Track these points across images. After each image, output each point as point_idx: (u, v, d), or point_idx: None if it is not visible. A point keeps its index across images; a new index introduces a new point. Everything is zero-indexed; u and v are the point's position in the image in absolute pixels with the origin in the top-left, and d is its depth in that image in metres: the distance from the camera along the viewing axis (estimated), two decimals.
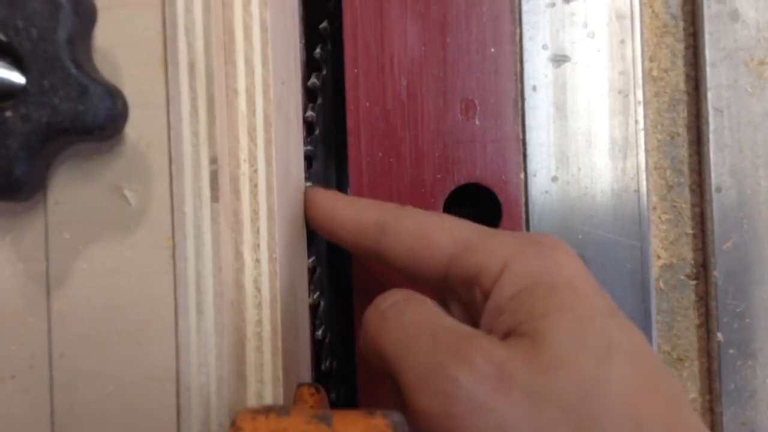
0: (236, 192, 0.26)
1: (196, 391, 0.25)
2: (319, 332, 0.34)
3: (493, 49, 0.35)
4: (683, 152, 0.37)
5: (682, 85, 0.37)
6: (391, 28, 0.34)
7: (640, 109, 0.35)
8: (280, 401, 0.26)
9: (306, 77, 0.34)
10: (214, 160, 0.25)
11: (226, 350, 0.25)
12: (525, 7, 0.35)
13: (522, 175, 0.35)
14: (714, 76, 0.36)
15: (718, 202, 0.35)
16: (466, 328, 0.24)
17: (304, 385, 0.28)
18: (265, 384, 0.26)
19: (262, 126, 0.26)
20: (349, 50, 0.34)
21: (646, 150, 0.35)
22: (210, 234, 0.25)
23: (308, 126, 0.33)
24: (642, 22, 0.35)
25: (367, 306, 0.27)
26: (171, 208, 0.25)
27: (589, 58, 0.35)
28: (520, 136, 0.35)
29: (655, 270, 0.36)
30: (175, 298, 0.25)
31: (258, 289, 0.26)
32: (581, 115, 0.35)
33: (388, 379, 0.26)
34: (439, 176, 0.34)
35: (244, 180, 0.26)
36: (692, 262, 0.37)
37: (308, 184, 0.33)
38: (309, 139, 0.33)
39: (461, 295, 0.26)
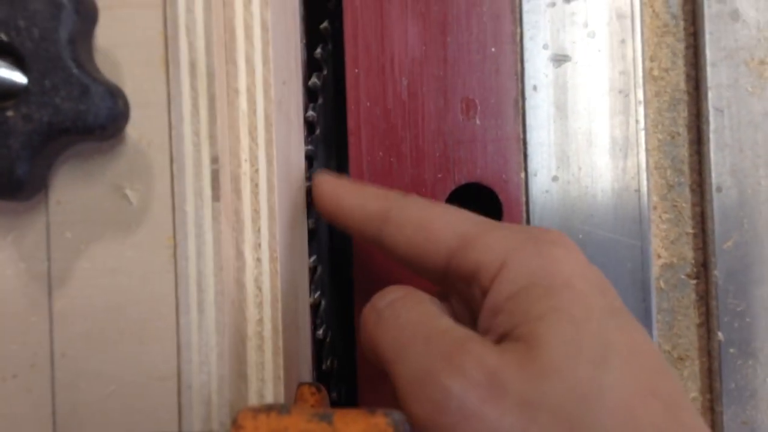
0: (237, 191, 0.26)
1: (198, 390, 0.25)
2: (320, 331, 0.34)
3: (493, 49, 0.35)
4: (684, 152, 0.37)
5: (682, 85, 0.37)
6: (392, 28, 0.34)
7: (641, 109, 0.35)
8: (281, 400, 0.26)
9: (307, 77, 0.34)
10: (215, 160, 0.25)
11: (227, 349, 0.25)
12: (525, 6, 0.35)
13: (522, 175, 0.35)
14: (714, 76, 0.36)
15: (718, 202, 0.35)
16: (460, 332, 0.24)
17: (305, 385, 0.28)
18: (266, 383, 0.26)
19: (263, 125, 0.26)
20: (349, 50, 0.34)
21: (647, 149, 0.35)
22: (211, 233, 0.25)
23: (309, 126, 0.33)
24: (642, 21, 0.35)
25: None
26: (172, 208, 0.25)
27: (590, 58, 0.35)
28: (521, 136, 0.35)
29: (655, 269, 0.36)
30: (177, 297, 0.25)
31: (259, 288, 0.26)
32: (582, 115, 0.35)
33: (388, 378, 0.26)
34: (439, 176, 0.34)
35: (245, 179, 0.26)
36: (693, 261, 0.37)
37: (308, 184, 0.33)
38: (310, 139, 0.33)
39: (461, 289, 0.26)
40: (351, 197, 0.28)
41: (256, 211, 0.26)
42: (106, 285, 0.26)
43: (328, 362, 0.35)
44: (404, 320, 0.25)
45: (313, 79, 0.34)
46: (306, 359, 0.31)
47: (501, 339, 0.24)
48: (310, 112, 0.33)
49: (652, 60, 0.37)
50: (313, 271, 0.33)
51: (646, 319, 0.35)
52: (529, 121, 0.35)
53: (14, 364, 0.26)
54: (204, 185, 0.25)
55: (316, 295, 0.33)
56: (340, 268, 0.37)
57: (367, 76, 0.34)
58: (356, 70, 0.34)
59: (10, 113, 0.23)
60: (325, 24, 0.36)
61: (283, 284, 0.27)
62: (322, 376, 0.34)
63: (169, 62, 0.25)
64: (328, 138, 0.36)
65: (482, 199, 0.35)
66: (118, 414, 0.25)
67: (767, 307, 0.35)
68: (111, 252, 0.26)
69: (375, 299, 0.26)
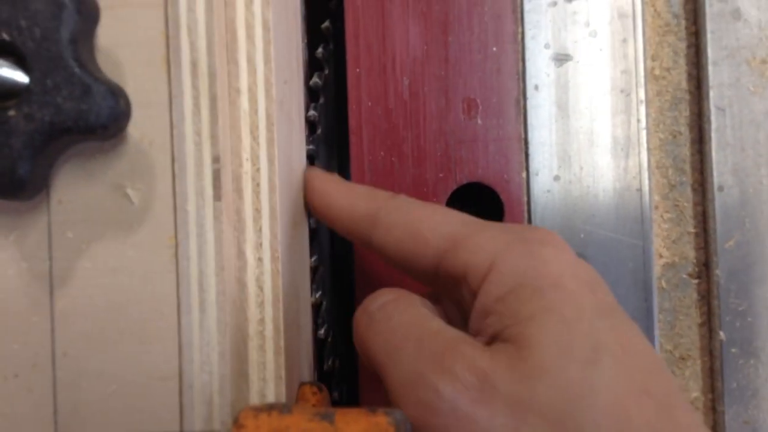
0: (239, 191, 0.26)
1: (199, 390, 0.25)
2: (322, 331, 0.34)
3: (495, 48, 0.35)
4: (685, 151, 0.37)
5: (684, 84, 0.37)
6: (393, 28, 0.34)
7: (642, 108, 0.35)
8: (283, 400, 0.26)
9: (308, 77, 0.34)
10: (216, 159, 0.25)
11: (228, 349, 0.25)
12: (527, 6, 0.35)
13: (524, 174, 0.35)
14: (716, 75, 0.36)
15: (720, 201, 0.35)
16: (451, 333, 0.24)
17: (307, 384, 0.28)
18: (267, 382, 0.26)
19: (265, 125, 0.26)
20: (351, 50, 0.34)
21: (648, 149, 0.35)
22: (212, 233, 0.25)
23: (310, 125, 0.33)
24: (644, 20, 0.35)
25: None
26: (174, 207, 0.25)
27: (591, 57, 0.35)
28: (522, 135, 0.35)
29: (657, 269, 0.36)
30: (178, 297, 0.25)
31: (260, 288, 0.26)
32: (583, 114, 0.35)
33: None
34: (441, 175, 0.34)
35: (247, 179, 0.26)
36: (694, 260, 0.37)
37: None
38: (311, 139, 0.33)
39: (452, 291, 0.26)
40: (340, 199, 0.28)
41: (257, 211, 0.26)
42: (108, 284, 0.26)
43: (330, 362, 0.35)
44: (395, 323, 0.25)
45: (315, 79, 0.34)
46: (307, 359, 0.31)
47: (492, 340, 0.23)
48: (312, 112, 0.33)
49: (653, 59, 0.37)
50: (314, 270, 0.33)
51: (647, 319, 0.35)
52: (531, 120, 0.35)
53: (15, 363, 0.26)
54: (205, 185, 0.25)
55: (318, 294, 0.33)
56: (342, 267, 0.37)
57: (369, 76, 0.34)
58: (357, 70, 0.34)
59: (11, 113, 0.23)
60: (326, 24, 0.36)
61: (285, 284, 0.27)
62: (323, 376, 0.34)
63: (170, 62, 0.25)
64: (330, 138, 0.36)
65: (483, 198, 0.35)
66: (120, 414, 0.25)
67: None
68: (112, 251, 0.26)
69: (366, 302, 0.26)
